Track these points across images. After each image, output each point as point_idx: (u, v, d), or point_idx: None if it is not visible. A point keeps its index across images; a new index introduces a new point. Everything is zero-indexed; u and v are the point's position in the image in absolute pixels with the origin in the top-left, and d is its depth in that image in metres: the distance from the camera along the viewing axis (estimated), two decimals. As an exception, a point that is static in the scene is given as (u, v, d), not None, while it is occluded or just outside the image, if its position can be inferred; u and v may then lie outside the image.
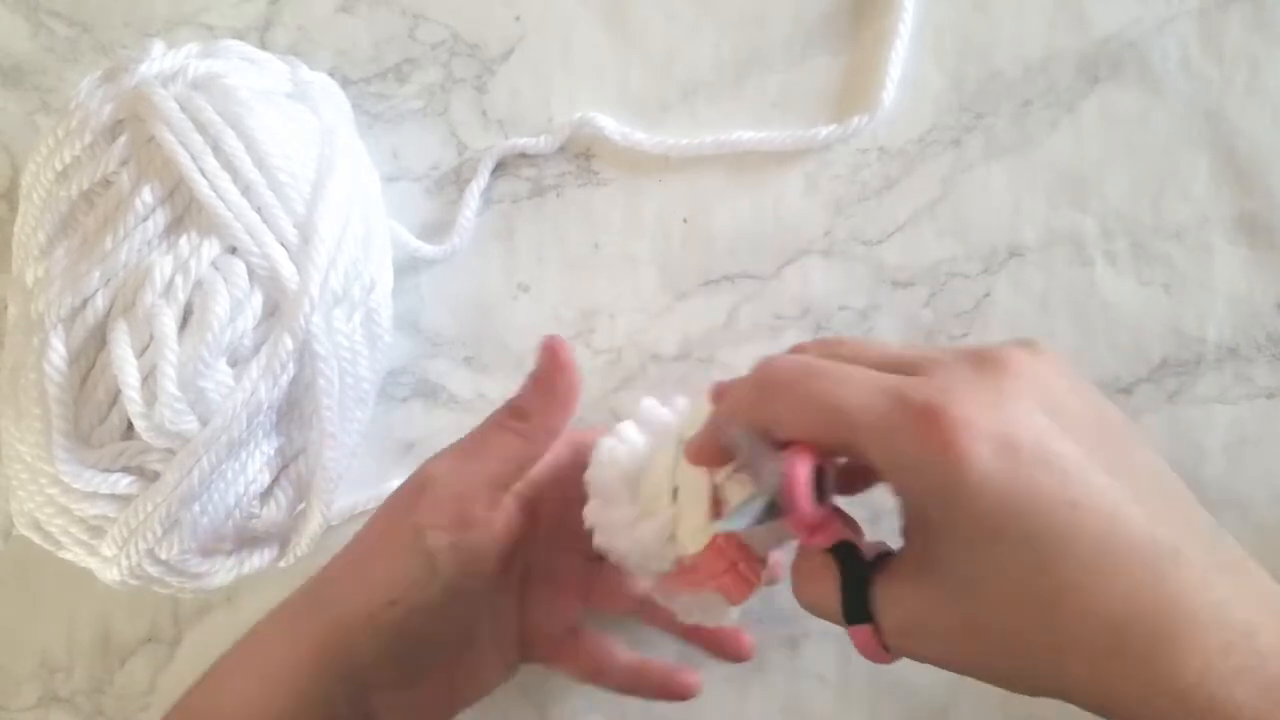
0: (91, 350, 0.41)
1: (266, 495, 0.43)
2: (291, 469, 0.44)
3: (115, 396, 0.41)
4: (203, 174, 0.41)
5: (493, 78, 0.49)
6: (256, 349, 0.42)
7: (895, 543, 0.31)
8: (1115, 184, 0.47)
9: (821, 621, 0.32)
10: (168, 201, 0.42)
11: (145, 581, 0.42)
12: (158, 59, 0.43)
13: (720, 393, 0.35)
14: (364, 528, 0.40)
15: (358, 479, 0.47)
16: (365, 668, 0.37)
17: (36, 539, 0.43)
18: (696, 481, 0.35)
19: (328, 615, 0.38)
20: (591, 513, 0.39)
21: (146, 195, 0.41)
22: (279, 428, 0.43)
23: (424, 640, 0.38)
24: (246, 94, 0.43)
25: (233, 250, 0.42)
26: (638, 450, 0.39)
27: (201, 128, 0.41)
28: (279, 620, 0.39)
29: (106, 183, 0.42)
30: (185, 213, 0.42)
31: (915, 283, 0.47)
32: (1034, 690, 0.29)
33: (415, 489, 0.39)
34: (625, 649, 0.44)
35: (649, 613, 0.44)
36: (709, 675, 0.46)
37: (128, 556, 0.41)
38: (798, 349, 0.35)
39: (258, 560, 0.44)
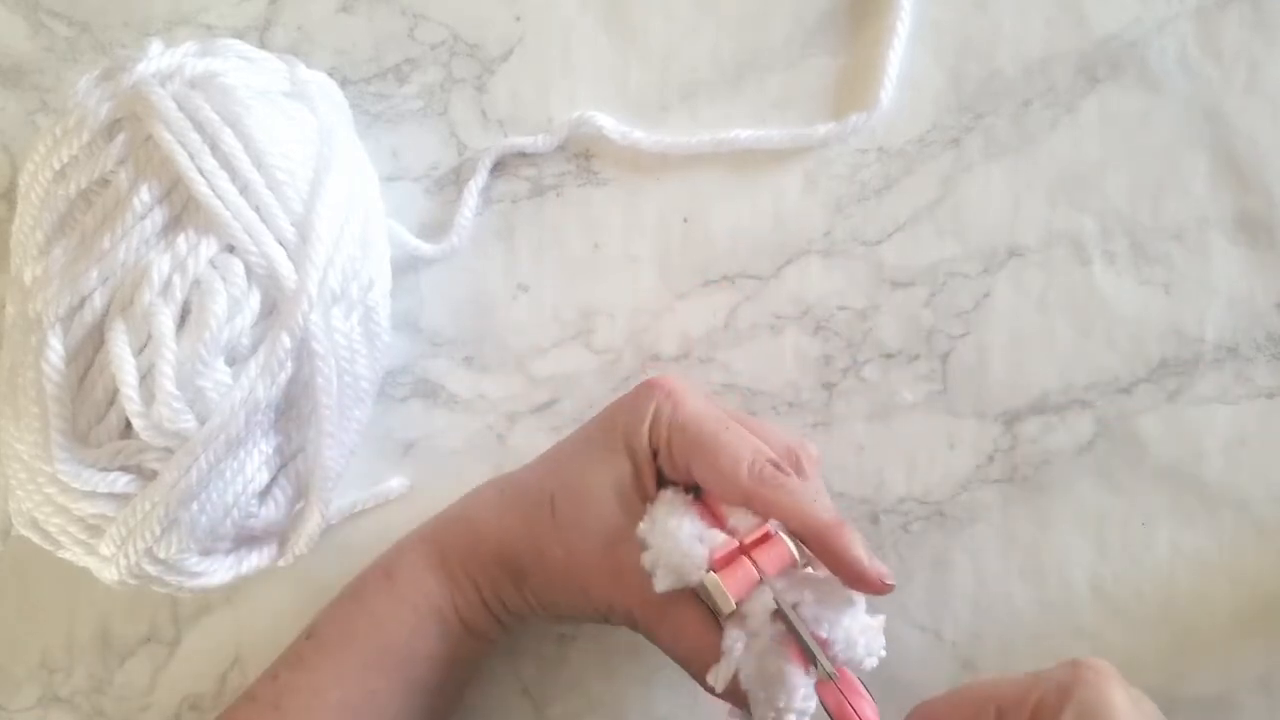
0: (89, 349, 0.41)
1: (265, 494, 0.43)
2: (290, 468, 0.44)
3: (113, 395, 0.41)
4: (200, 173, 0.41)
5: (492, 78, 0.49)
6: (254, 348, 0.41)
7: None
8: (1115, 184, 0.47)
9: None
10: (165, 200, 0.42)
11: (144, 581, 0.42)
12: (155, 58, 0.43)
13: None
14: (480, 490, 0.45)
15: (356, 478, 0.47)
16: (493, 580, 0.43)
17: (35, 539, 0.43)
18: None
19: (460, 546, 0.43)
20: None
21: (144, 194, 0.41)
22: (277, 426, 0.42)
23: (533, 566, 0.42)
24: (244, 93, 0.43)
25: (231, 249, 0.42)
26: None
27: (199, 126, 0.41)
28: (413, 548, 0.45)
29: (104, 182, 0.42)
30: (183, 211, 0.42)
31: (915, 283, 0.47)
32: None
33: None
34: None
35: None
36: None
37: (126, 556, 0.41)
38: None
39: (256, 559, 0.44)
